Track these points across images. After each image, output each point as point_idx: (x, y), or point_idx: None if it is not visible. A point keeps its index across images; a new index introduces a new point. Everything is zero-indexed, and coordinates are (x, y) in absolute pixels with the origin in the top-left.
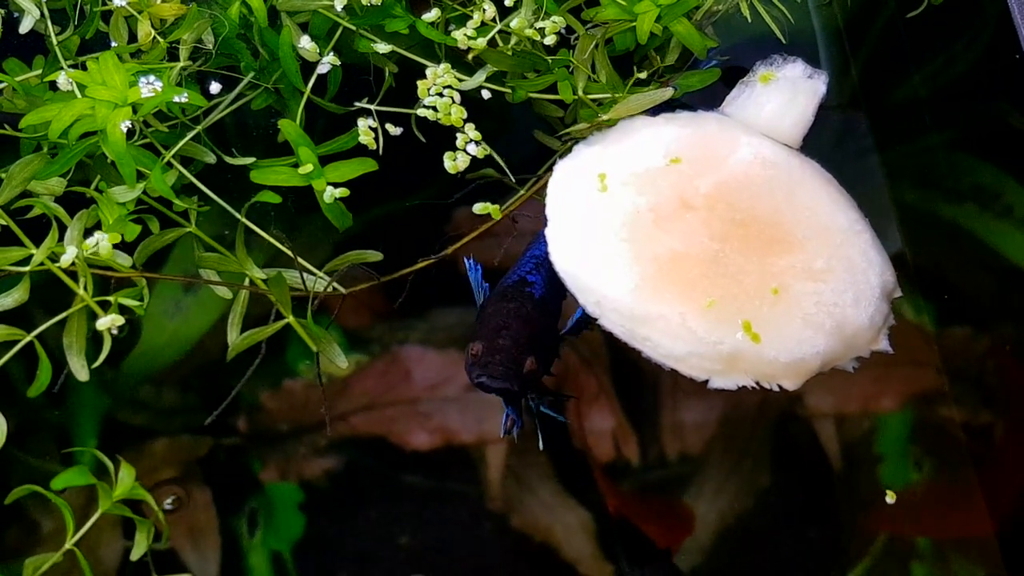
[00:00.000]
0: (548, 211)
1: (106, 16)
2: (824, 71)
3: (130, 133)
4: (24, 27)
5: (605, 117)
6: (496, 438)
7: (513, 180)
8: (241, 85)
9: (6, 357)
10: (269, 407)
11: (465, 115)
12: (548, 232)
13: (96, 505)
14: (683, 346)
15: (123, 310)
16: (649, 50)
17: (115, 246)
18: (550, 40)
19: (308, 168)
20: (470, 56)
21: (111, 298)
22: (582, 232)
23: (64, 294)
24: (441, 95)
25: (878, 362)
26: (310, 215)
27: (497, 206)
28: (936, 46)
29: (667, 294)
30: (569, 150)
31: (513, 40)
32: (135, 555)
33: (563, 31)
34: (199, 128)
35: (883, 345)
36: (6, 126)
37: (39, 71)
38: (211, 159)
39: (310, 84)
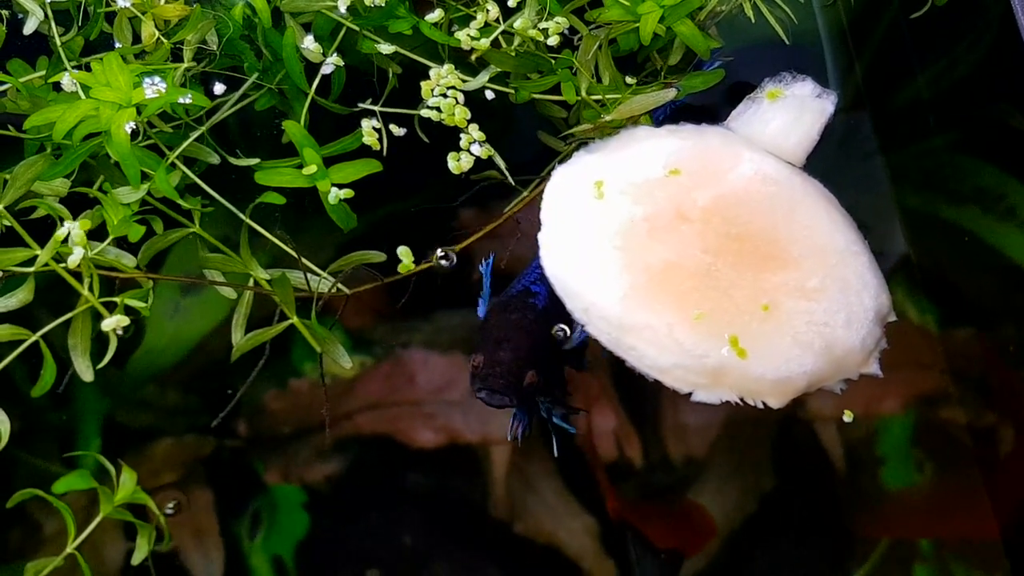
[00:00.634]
0: (543, 215)
1: (110, 17)
2: (833, 91)
3: (134, 134)
4: (28, 28)
5: (608, 118)
6: (501, 439)
7: (512, 182)
8: (245, 86)
9: (10, 357)
10: (273, 408)
11: (469, 116)
12: (541, 236)
13: (99, 507)
14: (669, 358)
15: (127, 311)
16: (652, 51)
17: (119, 247)
18: (553, 41)
19: (312, 169)
20: (474, 57)
21: (117, 299)
22: (575, 238)
23: (68, 295)
24: (445, 96)
25: (881, 364)
26: (314, 216)
27: (411, 258)
28: (939, 48)
29: (656, 304)
30: (572, 152)
31: (516, 41)
32: (136, 560)
33: (566, 32)
34: (203, 129)
35: (873, 368)
36: (10, 127)
37: (43, 72)
38: (215, 160)
39: (314, 85)
